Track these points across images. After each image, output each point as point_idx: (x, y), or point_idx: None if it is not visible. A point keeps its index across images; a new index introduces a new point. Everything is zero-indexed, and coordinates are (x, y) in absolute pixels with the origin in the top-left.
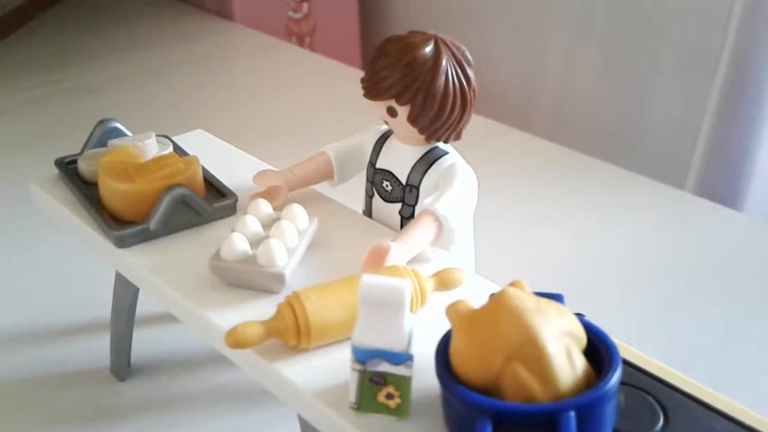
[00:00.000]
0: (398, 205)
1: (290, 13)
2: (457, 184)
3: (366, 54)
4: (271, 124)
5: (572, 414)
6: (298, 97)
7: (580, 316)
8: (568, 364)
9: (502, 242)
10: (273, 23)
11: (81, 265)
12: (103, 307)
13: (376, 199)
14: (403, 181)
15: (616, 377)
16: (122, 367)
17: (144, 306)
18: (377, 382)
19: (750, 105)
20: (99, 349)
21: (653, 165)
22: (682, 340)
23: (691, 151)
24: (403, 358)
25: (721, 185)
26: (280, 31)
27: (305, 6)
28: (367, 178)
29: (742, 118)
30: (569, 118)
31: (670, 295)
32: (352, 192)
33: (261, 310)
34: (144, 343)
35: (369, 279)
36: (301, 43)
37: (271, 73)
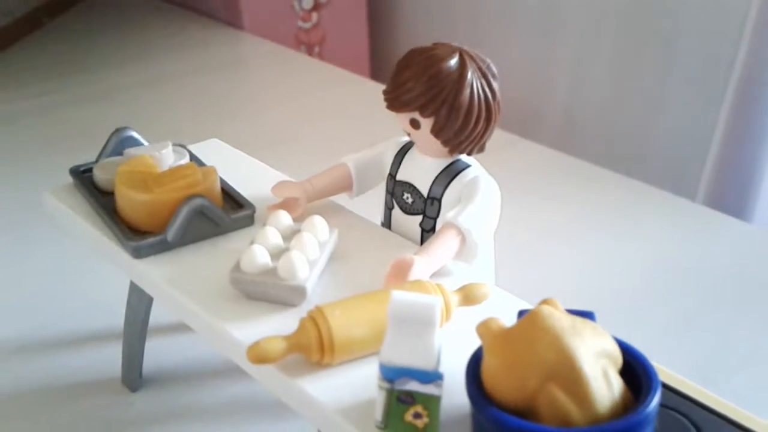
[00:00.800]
0: (419, 218)
1: (300, 23)
2: (481, 197)
3: (375, 64)
4: (280, 133)
5: None
6: (307, 105)
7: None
8: (605, 386)
9: (511, 254)
10: (282, 33)
11: (92, 274)
12: (113, 316)
13: (396, 211)
14: (425, 194)
15: (656, 400)
16: (134, 377)
17: (156, 316)
18: (405, 401)
19: (761, 116)
20: (110, 359)
21: (664, 176)
22: (701, 356)
23: (702, 162)
24: (433, 376)
25: (732, 196)
26: (289, 40)
27: (315, 16)
28: (387, 190)
29: (753, 129)
30: (579, 129)
31: (686, 309)
32: (368, 203)
33: (281, 323)
34: (155, 353)
35: (399, 295)
36: (310, 52)
37: (280, 82)
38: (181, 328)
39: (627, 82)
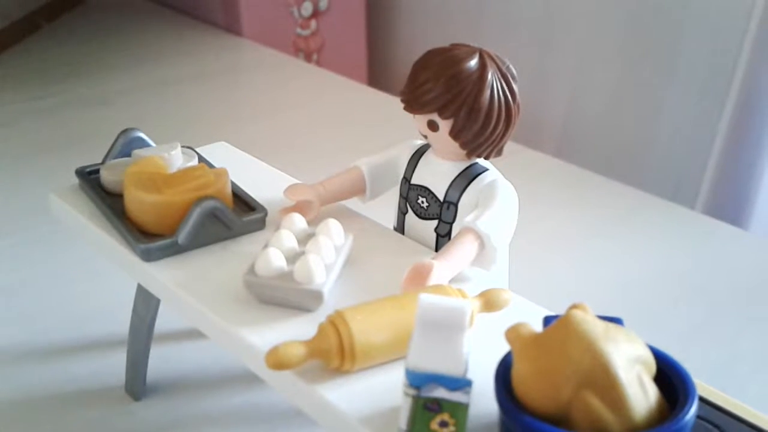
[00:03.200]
0: (434, 223)
1: (298, 30)
2: (499, 202)
3: (373, 70)
4: (279, 139)
5: None
6: (305, 112)
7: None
8: (641, 393)
9: (510, 262)
10: (281, 40)
11: (95, 279)
12: (118, 323)
13: (410, 216)
14: (441, 198)
15: (694, 408)
16: (138, 385)
17: (161, 323)
18: (431, 408)
19: (759, 126)
20: (114, 366)
21: (663, 184)
22: (707, 366)
23: (701, 171)
24: (461, 383)
25: (731, 205)
26: (288, 47)
27: (313, 23)
28: (401, 194)
29: (752, 138)
30: (579, 137)
31: (688, 317)
32: (379, 208)
33: (297, 328)
34: (160, 361)
35: (428, 299)
36: (308, 59)
37: (278, 89)
38: (185, 335)
39: (626, 91)
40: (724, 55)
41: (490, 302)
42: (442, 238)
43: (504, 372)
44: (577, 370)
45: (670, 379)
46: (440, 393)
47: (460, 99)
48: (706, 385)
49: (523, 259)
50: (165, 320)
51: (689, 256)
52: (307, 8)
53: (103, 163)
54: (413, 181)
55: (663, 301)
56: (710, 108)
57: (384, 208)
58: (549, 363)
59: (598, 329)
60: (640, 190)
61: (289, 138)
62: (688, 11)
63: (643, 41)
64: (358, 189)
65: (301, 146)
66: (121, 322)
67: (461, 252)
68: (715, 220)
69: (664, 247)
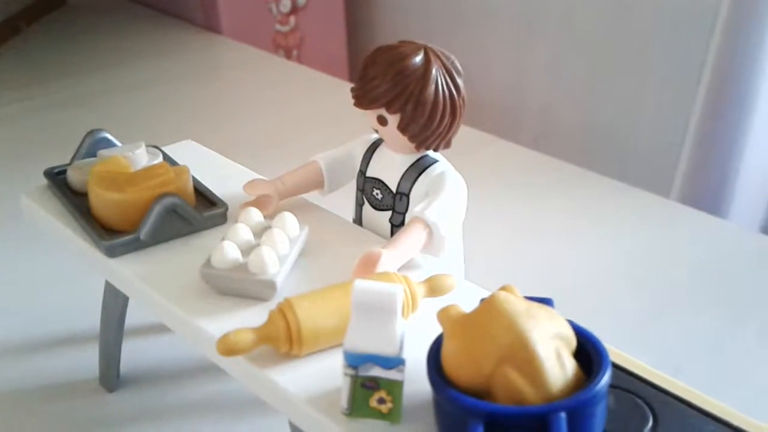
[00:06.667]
0: (388, 213)
1: (277, 26)
2: (447, 192)
3: (353, 67)
4: (259, 137)
5: (563, 415)
6: (285, 109)
7: (569, 321)
8: (558, 367)
9: (487, 251)
10: (260, 37)
11: (69, 277)
12: (91, 318)
13: (366, 208)
14: (394, 189)
15: (605, 378)
16: (111, 378)
17: (132, 317)
18: (369, 386)
19: (734, 113)
20: (87, 360)
21: (639, 174)
22: (669, 347)
23: (676, 160)
24: (395, 362)
25: (706, 193)
26: (267, 44)
27: (292, 19)
28: (357, 187)
29: (727, 127)
30: (555, 128)
31: (656, 302)
32: (341, 201)
33: (252, 317)
34: (133, 354)
35: (361, 284)
36: (288, 56)
37: (258, 86)
38: (157, 329)
39: (602, 83)
40: (695, 46)
41: (434, 287)
42: (396, 227)
43: (435, 351)
44: (498, 345)
45: (590, 354)
46: (376, 372)
47: (406, 94)
48: (627, 355)
49: (497, 248)
50: (139, 315)
51: (663, 243)
52: (285, 4)
53: (70, 163)
54: (368, 173)
55: (636, 287)
56: (683, 98)
57: (346, 200)
58: (473, 340)
59: (519, 308)
60: (615, 179)
61: (270, 136)
62: (660, 5)
63: (618, 34)
64: (317, 183)
65: (283, 144)
66: (93, 316)
67: (409, 240)
68: (687, 207)
69: (638, 235)
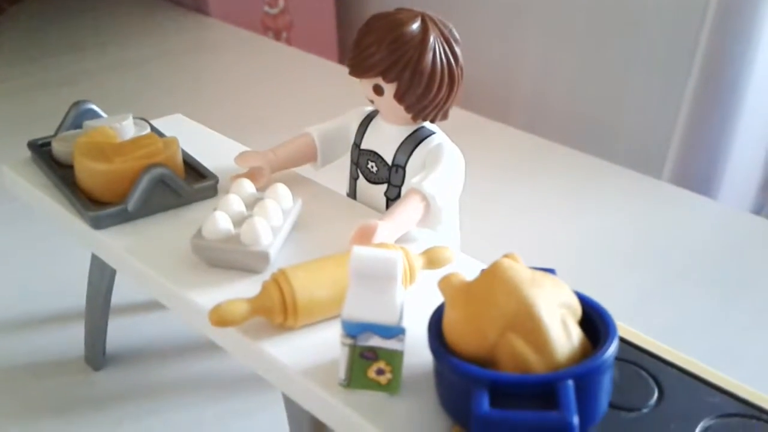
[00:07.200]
0: (384, 186)
1: (266, 8)
2: (444, 164)
3: (343, 50)
4: (249, 119)
5: (570, 383)
6: (275, 91)
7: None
8: (564, 335)
9: (481, 231)
10: (249, 19)
11: (54, 253)
12: (77, 296)
13: (361, 181)
14: (389, 162)
15: (613, 346)
16: (97, 356)
17: (119, 295)
18: (368, 357)
19: (724, 96)
20: (73, 338)
21: (631, 155)
22: (662, 326)
23: (667, 141)
24: (395, 331)
25: (697, 175)
26: (256, 26)
27: (281, 1)
28: (352, 160)
29: (717, 109)
30: (547, 110)
31: (648, 281)
32: (335, 176)
33: (244, 290)
34: (119, 332)
35: (360, 251)
36: (278, 38)
37: (247, 68)
38: (144, 307)
39: (594, 64)
40: (686, 28)
41: (432, 259)
42: (392, 201)
43: (437, 320)
44: (502, 313)
45: (596, 323)
46: (375, 341)
47: (403, 61)
48: (631, 329)
49: (491, 229)
50: (125, 293)
51: (655, 224)
52: None
53: (55, 135)
54: (363, 146)
55: (627, 267)
56: (674, 80)
57: (340, 176)
58: (477, 308)
59: (524, 275)
60: (607, 161)
61: (260, 117)
62: None
63: (609, 16)
64: (310, 156)
65: (273, 125)
66: (79, 295)
67: (407, 212)
68: (679, 188)
69: (630, 216)
